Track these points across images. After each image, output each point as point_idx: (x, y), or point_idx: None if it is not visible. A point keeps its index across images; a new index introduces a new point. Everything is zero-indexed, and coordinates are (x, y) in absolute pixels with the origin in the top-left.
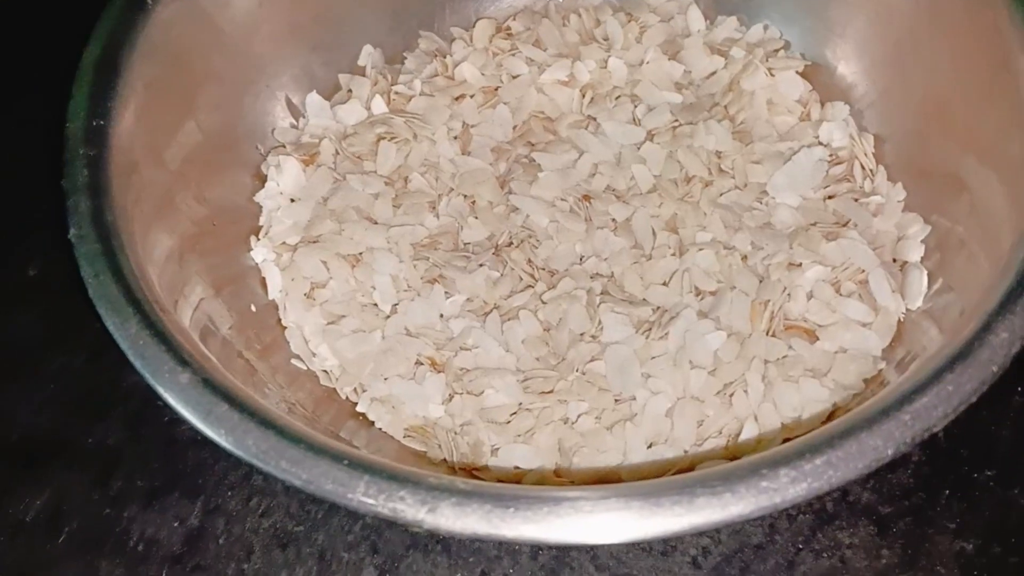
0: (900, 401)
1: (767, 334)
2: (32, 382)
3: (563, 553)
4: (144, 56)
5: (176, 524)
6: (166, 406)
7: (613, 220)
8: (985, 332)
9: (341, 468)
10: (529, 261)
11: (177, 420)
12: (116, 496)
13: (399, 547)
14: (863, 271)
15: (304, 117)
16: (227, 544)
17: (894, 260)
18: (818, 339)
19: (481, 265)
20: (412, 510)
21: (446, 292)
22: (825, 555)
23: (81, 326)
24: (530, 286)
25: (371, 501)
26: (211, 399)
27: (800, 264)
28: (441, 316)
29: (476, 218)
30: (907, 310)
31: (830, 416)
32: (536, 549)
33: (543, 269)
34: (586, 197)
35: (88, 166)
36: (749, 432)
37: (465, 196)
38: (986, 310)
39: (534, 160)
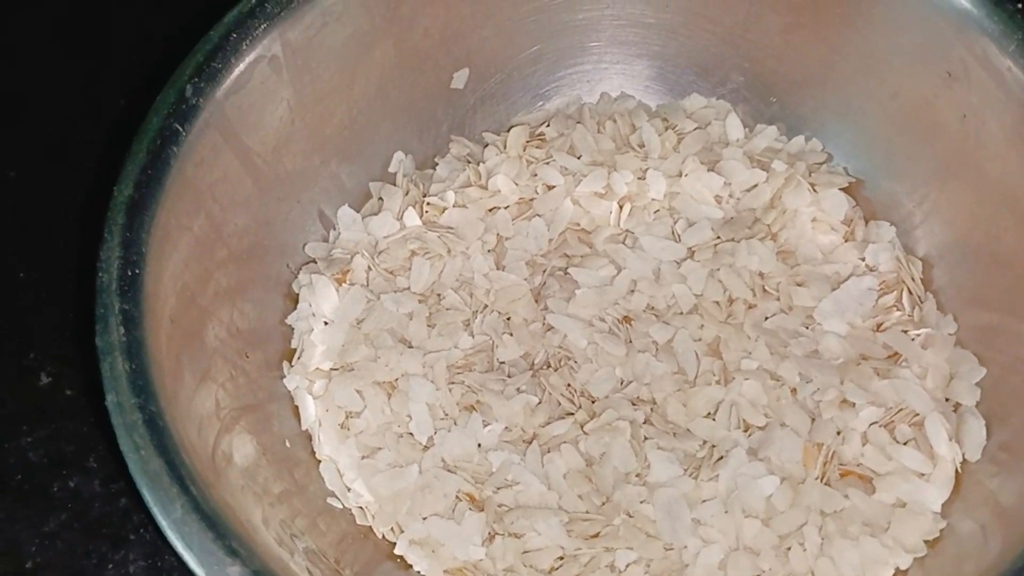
0: None
1: (821, 479)
2: (44, 508)
3: None
4: (177, 192)
5: None
6: None
7: (654, 342)
8: None
9: None
10: (568, 386)
11: None
12: None
13: None
14: (918, 414)
15: (335, 230)
16: None
17: (947, 400)
18: (873, 487)
19: (519, 390)
20: None
21: (483, 420)
22: None
23: (96, 442)
24: (570, 413)
25: None
26: None
27: (853, 404)
28: (479, 446)
29: (511, 335)
30: (964, 460)
31: None
32: None
33: (582, 395)
34: (626, 319)
35: (124, 323)
36: None
37: (499, 313)
38: None
39: (570, 275)
